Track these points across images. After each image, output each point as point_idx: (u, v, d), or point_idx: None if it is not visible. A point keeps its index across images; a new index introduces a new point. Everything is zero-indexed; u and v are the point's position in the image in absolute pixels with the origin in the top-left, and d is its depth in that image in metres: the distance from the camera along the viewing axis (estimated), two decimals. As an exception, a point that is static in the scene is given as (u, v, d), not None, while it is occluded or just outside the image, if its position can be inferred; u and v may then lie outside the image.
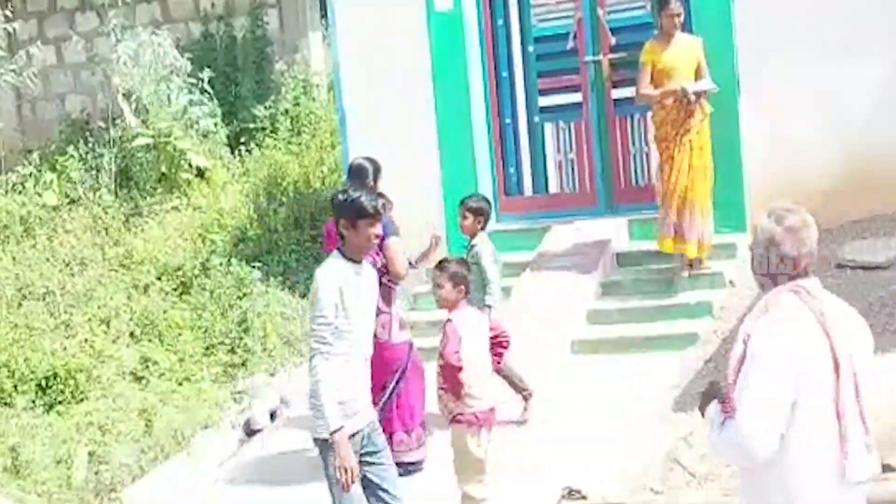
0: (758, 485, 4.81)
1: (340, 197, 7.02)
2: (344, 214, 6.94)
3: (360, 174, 9.55)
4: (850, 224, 11.51)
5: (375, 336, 9.01)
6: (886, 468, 7.63)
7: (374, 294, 7.29)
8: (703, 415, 4.90)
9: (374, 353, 9.07)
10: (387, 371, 9.16)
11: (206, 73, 15.45)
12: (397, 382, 9.22)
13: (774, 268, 4.80)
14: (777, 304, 4.77)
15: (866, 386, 4.76)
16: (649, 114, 12.41)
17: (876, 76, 11.45)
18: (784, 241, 4.77)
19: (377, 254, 9.05)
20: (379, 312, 9.02)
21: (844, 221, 11.51)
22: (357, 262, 6.99)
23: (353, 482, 6.73)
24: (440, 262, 8.22)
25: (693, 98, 10.98)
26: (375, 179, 9.57)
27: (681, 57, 11.12)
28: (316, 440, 6.93)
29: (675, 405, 9.54)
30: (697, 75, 11.13)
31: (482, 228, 9.90)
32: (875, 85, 11.46)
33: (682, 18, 11.24)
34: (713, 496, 7.92)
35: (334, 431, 6.69)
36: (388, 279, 9.12)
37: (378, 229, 6.99)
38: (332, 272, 6.89)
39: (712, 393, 4.87)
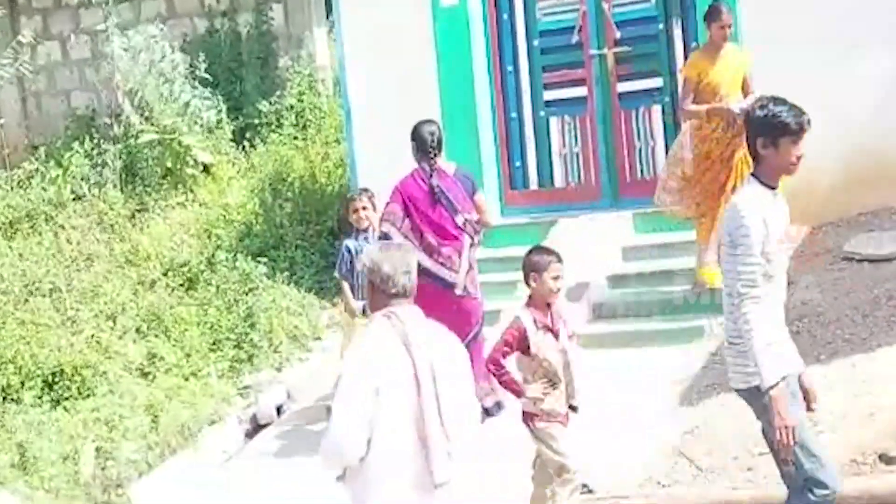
0: (351, 488, 5.44)
1: (759, 112, 6.14)
2: (763, 132, 6.11)
3: (425, 140, 9.74)
4: (856, 217, 11.51)
5: (467, 291, 9.63)
6: (892, 461, 7.65)
7: (786, 225, 6.46)
8: None
9: (457, 306, 9.52)
10: (465, 324, 9.46)
11: (210, 69, 15.45)
12: (475, 337, 9.59)
13: (376, 290, 5.55)
14: (371, 327, 5.55)
15: (451, 400, 5.36)
16: (655, 107, 12.45)
17: (879, 71, 11.43)
18: (383, 264, 5.52)
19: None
20: (469, 268, 9.65)
21: (849, 215, 11.52)
22: (774, 188, 6.20)
23: (794, 441, 5.94)
24: None
25: (742, 118, 10.14)
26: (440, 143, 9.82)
27: (728, 71, 10.69)
28: (740, 391, 6.24)
29: (680, 399, 9.54)
30: (745, 88, 10.73)
31: None
32: (879, 80, 11.44)
33: (731, 29, 10.77)
34: (719, 490, 7.92)
35: (772, 387, 5.91)
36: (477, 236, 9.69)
37: (800, 149, 6.13)
38: (755, 202, 6.09)
39: None
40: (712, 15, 10.74)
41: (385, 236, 9.53)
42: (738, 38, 11.68)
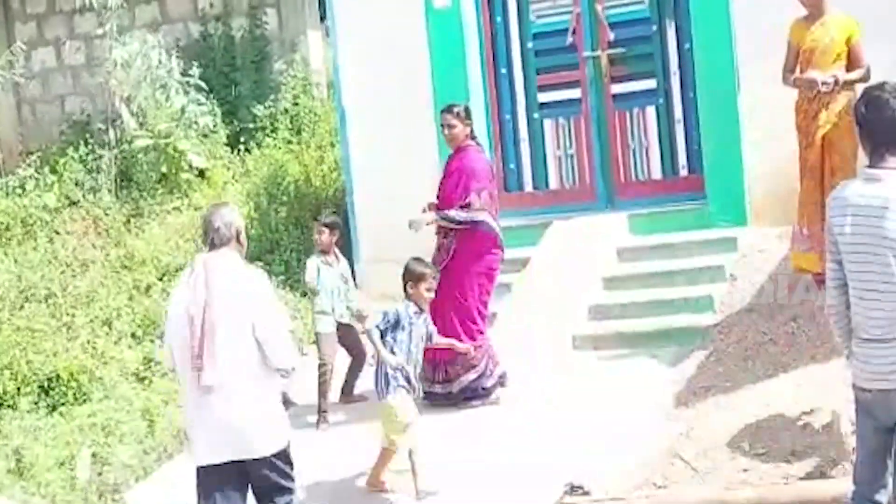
0: None
1: None
2: None
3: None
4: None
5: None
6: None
7: None
8: None
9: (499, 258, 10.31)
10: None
11: (204, 73, 15.45)
12: None
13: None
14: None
15: (224, 327, 7.00)
16: (649, 108, 12.45)
17: (880, 70, 11.39)
18: (203, 224, 7.44)
19: None
20: None
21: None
22: None
23: None
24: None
25: (823, 89, 9.93)
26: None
27: (825, 39, 10.09)
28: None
29: (676, 400, 9.55)
30: (851, 59, 10.18)
31: (337, 243, 10.90)
32: (877, 76, 11.40)
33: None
34: (715, 490, 7.92)
35: None
36: None
37: None
38: None
39: None
40: None
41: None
42: (730, 27, 11.69)
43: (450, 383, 10.25)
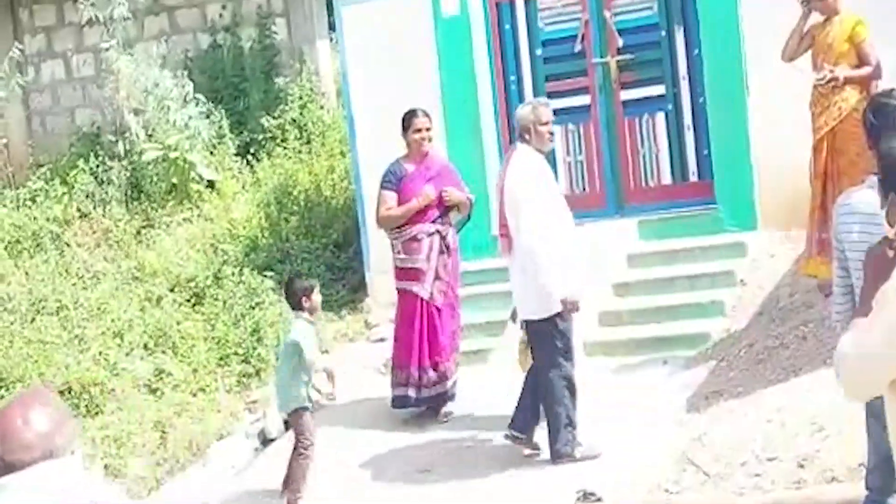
0: None
1: None
2: None
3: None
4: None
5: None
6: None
7: None
8: None
9: None
10: None
11: (213, 84, 15.48)
12: None
13: None
14: None
15: (508, 205, 8.97)
16: (658, 114, 12.45)
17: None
18: None
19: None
20: None
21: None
22: None
23: None
24: None
25: (822, 83, 9.90)
26: None
27: (827, 40, 10.10)
28: None
29: (687, 406, 9.53)
30: (859, 59, 10.06)
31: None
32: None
33: (821, 4, 10.13)
34: (727, 496, 7.91)
35: None
36: None
37: None
38: None
39: None
40: None
41: None
42: (738, 32, 11.67)
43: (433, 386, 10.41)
